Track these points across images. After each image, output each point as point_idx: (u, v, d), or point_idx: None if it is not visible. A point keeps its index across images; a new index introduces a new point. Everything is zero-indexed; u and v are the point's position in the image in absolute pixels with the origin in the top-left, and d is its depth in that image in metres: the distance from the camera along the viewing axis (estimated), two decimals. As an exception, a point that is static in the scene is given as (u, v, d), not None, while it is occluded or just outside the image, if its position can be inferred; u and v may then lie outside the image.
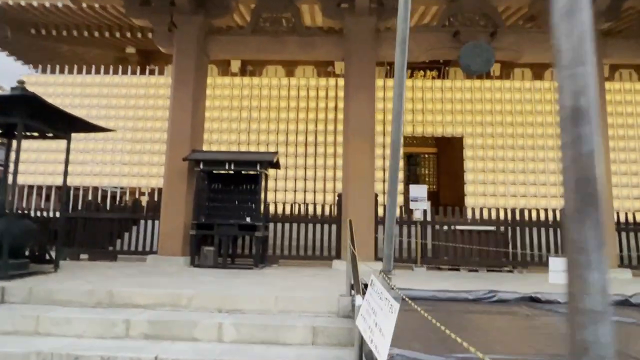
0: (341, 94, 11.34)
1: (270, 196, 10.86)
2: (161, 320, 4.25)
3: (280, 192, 10.94)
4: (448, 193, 13.42)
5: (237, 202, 7.90)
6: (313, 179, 11.06)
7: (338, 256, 7.97)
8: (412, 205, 8.02)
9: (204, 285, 5.40)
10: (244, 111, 11.37)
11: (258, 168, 7.46)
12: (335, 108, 11.27)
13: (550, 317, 3.80)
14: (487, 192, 10.99)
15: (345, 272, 7.16)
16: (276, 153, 7.80)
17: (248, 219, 7.52)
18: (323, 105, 11.34)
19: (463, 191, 12.98)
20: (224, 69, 12.30)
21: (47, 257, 6.60)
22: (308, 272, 7.09)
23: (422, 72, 12.91)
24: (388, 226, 2.62)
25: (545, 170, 11.03)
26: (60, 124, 6.36)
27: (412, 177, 14.19)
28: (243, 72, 12.16)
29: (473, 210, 8.15)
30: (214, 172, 8.06)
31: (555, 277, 4.60)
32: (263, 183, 7.76)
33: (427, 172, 14.39)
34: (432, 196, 14.02)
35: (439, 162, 14.09)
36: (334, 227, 8.15)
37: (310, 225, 8.18)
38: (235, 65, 12.17)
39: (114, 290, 4.79)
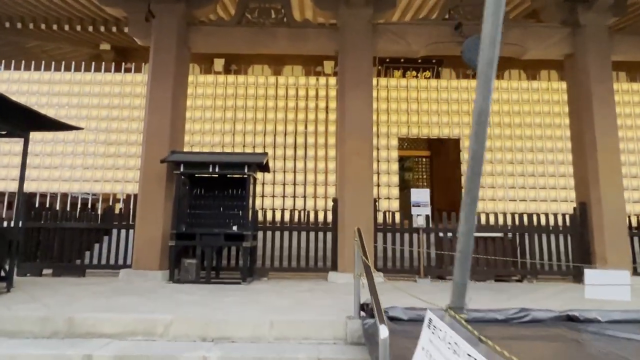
0: (332, 93, 10.72)
1: (259, 202, 10.10)
2: (131, 355, 3.45)
3: (269, 198, 10.19)
4: (442, 198, 12.88)
5: (222, 209, 7.12)
6: (303, 183, 10.34)
7: (334, 267, 7.26)
8: (413, 211, 7.39)
9: (184, 306, 4.60)
10: (228, 111, 10.61)
11: (246, 171, 6.71)
12: (326, 109, 10.63)
13: (606, 343, 3.18)
14: (486, 196, 10.48)
15: (344, 285, 6.47)
16: (266, 154, 7.06)
17: (234, 228, 6.75)
18: (313, 105, 10.68)
19: (459, 196, 12.48)
20: (206, 68, 11.52)
21: (2, 273, 5.69)
22: (302, 286, 6.36)
23: (414, 72, 12.41)
24: (463, 244, 1.90)
25: (545, 173, 10.60)
26: (16, 120, 5.50)
27: (402, 182, 13.63)
28: (227, 71, 11.40)
29: (479, 215, 7.59)
30: (196, 175, 7.27)
31: (593, 291, 4.01)
32: (251, 188, 7.02)
33: (419, 176, 13.85)
34: (426, 201, 13.49)
35: (432, 166, 13.56)
36: (329, 235, 7.45)
37: (303, 234, 7.46)
38: (219, 64, 11.40)
39: (76, 316, 3.96)
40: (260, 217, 7.51)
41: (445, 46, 7.92)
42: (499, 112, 10.78)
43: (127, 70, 10.78)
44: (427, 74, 12.09)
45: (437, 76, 11.79)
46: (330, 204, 9.99)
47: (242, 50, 8.44)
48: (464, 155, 10.63)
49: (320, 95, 10.71)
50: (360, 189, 7.26)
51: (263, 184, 10.21)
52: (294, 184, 10.33)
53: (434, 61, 11.41)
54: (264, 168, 7.36)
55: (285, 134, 10.52)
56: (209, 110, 10.56)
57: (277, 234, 7.43)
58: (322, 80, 10.80)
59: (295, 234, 7.44)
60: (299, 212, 7.50)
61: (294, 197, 10.27)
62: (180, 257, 6.72)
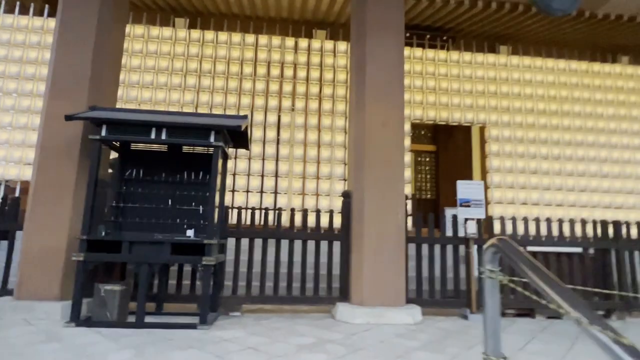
0: (329, 60, 8.27)
1: (231, 197, 7.45)
2: None
3: (244, 192, 7.55)
4: (453, 202, 10.70)
5: (171, 203, 4.45)
6: (301, 176, 7.78)
7: (344, 296, 4.75)
8: (461, 214, 5.01)
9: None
10: (190, 77, 7.91)
11: (212, 140, 4.10)
12: (320, 79, 8.16)
13: None
14: (516, 199, 8.33)
15: (366, 329, 3.92)
16: (244, 117, 4.47)
17: (190, 233, 4.10)
18: (304, 74, 8.19)
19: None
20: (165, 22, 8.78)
21: None
22: (300, 332, 3.80)
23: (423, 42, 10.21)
24: None
25: (597, 173, 8.59)
26: None
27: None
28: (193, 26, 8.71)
29: (549, 222, 5.34)
30: (131, 147, 4.59)
31: None
32: (220, 168, 4.42)
33: (422, 176, 11.61)
34: (430, 204, 11.27)
35: (438, 163, 11.37)
36: (336, 246, 4.94)
37: (297, 244, 4.91)
38: (181, 24, 8.68)
39: None
40: (233, 217, 4.90)
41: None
42: (520, 95, 8.71)
43: (39, 14, 7.86)
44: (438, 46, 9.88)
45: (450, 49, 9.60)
46: (335, 202, 7.50)
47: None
48: (491, 147, 8.45)
49: (312, 63, 8.23)
50: (388, 177, 4.81)
51: (234, 174, 7.58)
52: (276, 176, 7.75)
53: (444, 38, 9.25)
54: (241, 140, 4.76)
55: (265, 111, 7.95)
56: (164, 74, 7.82)
57: (258, 243, 4.83)
58: (316, 43, 8.33)
59: (284, 244, 4.87)
60: (291, 211, 4.93)
61: (281, 193, 7.69)
62: (94, 279, 4.00)
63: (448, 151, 11.34)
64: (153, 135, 4.05)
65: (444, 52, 8.75)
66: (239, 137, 4.65)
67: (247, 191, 7.59)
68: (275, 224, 4.83)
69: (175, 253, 4.03)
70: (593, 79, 9.00)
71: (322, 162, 7.86)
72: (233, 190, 7.55)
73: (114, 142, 4.46)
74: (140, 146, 4.61)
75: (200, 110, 7.76)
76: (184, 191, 4.48)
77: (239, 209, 4.78)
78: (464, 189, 5.06)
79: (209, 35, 8.06)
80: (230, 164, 7.49)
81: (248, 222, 4.86)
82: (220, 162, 4.37)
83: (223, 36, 8.09)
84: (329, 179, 7.80)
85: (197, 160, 4.59)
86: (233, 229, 4.73)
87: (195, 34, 8.05)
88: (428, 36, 9.15)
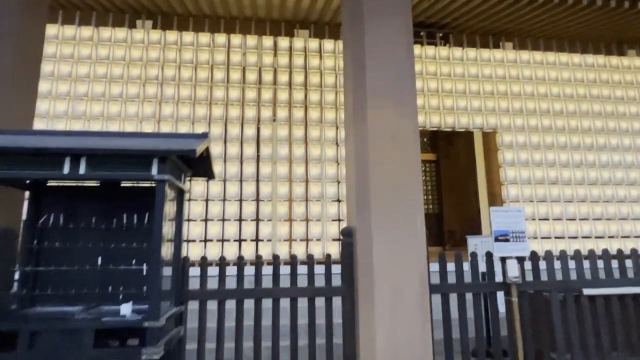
0: (314, 62, 7.09)
1: (197, 230, 6.15)
2: None
3: (214, 226, 6.26)
4: (456, 215, 9.60)
5: (101, 262, 3.15)
6: (287, 199, 6.54)
7: (350, 373, 3.50)
8: (498, 252, 3.82)
9: None
10: (150, 86, 6.62)
11: (154, 173, 2.83)
12: (305, 85, 6.96)
13: None
14: (536, 214, 7.22)
15: None
16: (203, 136, 3.21)
17: (125, 310, 2.80)
18: (285, 79, 6.98)
19: (476, 211, 9.23)
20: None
21: None
22: None
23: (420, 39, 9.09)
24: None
25: (623, 181, 7.55)
26: None
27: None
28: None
29: (607, 255, 4.14)
30: (48, 182, 3.30)
31: None
32: (170, 210, 3.15)
33: (424, 188, 10.46)
34: (434, 220, 10.13)
35: (439, 173, 10.26)
36: (336, 303, 3.70)
37: (283, 304, 3.64)
38: (139, 24, 7.39)
39: None
40: (195, 270, 3.61)
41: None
42: (533, 96, 7.64)
43: None
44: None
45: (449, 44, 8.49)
46: (329, 228, 6.25)
47: None
48: (504, 155, 7.34)
49: (296, 65, 7.03)
50: (402, 208, 3.61)
51: (207, 200, 6.30)
52: (256, 200, 6.49)
53: (442, 34, 8.12)
54: (202, 167, 3.49)
55: (242, 123, 6.70)
56: (117, 83, 6.52)
57: (229, 305, 3.54)
58: (299, 42, 7.14)
59: (267, 303, 3.59)
60: (276, 260, 3.67)
61: (258, 221, 6.42)
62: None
63: (449, 160, 10.26)
64: (67, 169, 2.76)
65: (446, 48, 7.65)
66: (198, 163, 3.39)
67: (223, 219, 6.31)
68: (254, 277, 3.55)
69: (106, 339, 2.74)
70: (612, 74, 8.01)
71: (312, 181, 6.64)
72: (206, 220, 6.26)
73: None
74: (57, 182, 3.31)
75: (163, 125, 6.49)
76: (121, 242, 3.19)
77: (202, 263, 3.50)
78: (500, 218, 3.89)
79: (172, 36, 6.80)
80: (198, 185, 6.21)
81: (216, 272, 3.56)
82: (168, 197, 3.10)
83: (188, 37, 6.84)
84: (319, 201, 6.58)
85: (142, 197, 3.31)
86: (195, 290, 3.45)
87: (155, 35, 6.78)
88: (422, 33, 8.02)
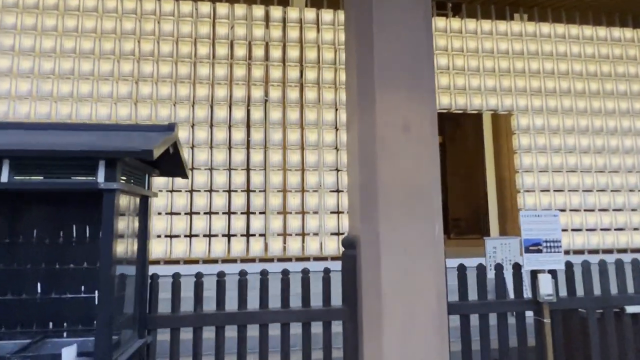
0: (311, 35, 6.32)
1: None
2: None
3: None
4: (464, 204, 9.00)
5: (40, 289, 2.52)
6: (282, 190, 5.90)
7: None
8: (528, 264, 3.20)
9: None
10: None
11: (100, 180, 2.17)
12: (301, 62, 6.21)
13: None
14: (553, 204, 6.62)
15: None
16: (168, 129, 2.52)
17: (67, 355, 2.19)
18: (278, 54, 6.22)
19: (484, 199, 8.69)
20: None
21: None
22: None
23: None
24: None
25: (646, 167, 6.93)
26: None
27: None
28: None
29: (621, 266, 3.53)
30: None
31: None
32: (131, 222, 2.50)
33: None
34: (439, 209, 9.52)
35: (445, 157, 9.60)
36: (336, 329, 3.10)
37: (273, 331, 3.04)
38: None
39: None
40: (165, 291, 3.00)
41: None
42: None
43: None
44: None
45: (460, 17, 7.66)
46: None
47: None
48: (520, 140, 6.68)
49: (291, 39, 6.26)
50: (417, 214, 2.97)
51: (191, 190, 5.65)
52: (247, 191, 5.85)
53: (452, 4, 7.26)
54: (169, 166, 2.82)
55: (229, 104, 5.97)
56: (88, 59, 5.74)
57: (208, 335, 2.94)
58: (293, 12, 6.34)
59: (252, 330, 2.99)
60: (264, 280, 3.04)
61: (255, 212, 5.80)
62: None
63: (456, 143, 9.59)
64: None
65: (458, 20, 6.86)
66: (166, 160, 2.71)
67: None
68: (238, 302, 2.94)
69: (44, 389, 2.15)
70: (638, 50, 7.26)
71: (309, 170, 5.98)
72: (190, 213, 5.63)
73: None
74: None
75: (141, 107, 5.76)
76: (69, 261, 2.55)
77: (174, 281, 2.88)
78: (530, 223, 3.26)
79: (149, 4, 5.98)
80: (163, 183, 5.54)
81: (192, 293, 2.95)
82: (131, 210, 2.45)
83: (168, 6, 6.02)
84: (316, 191, 5.95)
85: (94, 204, 2.64)
86: (165, 316, 2.84)
87: (130, 3, 5.96)
88: (432, 2, 7.19)
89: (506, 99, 6.71)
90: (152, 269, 2.85)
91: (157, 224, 5.48)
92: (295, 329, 2.97)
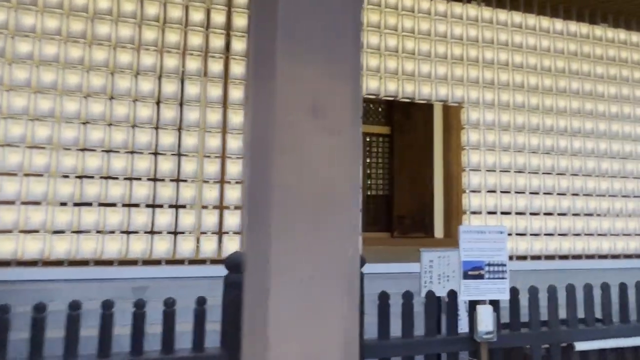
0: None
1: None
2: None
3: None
4: (410, 200, 8.46)
5: None
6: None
7: None
8: (466, 293, 2.55)
9: None
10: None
11: None
12: (206, 28, 5.22)
13: None
14: (499, 207, 6.17)
15: None
16: None
17: None
18: (178, 14, 5.19)
19: (430, 196, 8.26)
20: None
21: None
22: None
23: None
24: None
25: (594, 172, 6.64)
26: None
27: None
28: None
29: (605, 295, 2.93)
30: None
31: None
32: None
33: (373, 166, 9.13)
34: (384, 204, 8.95)
35: (393, 150, 8.99)
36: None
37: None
38: None
39: None
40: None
41: None
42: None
43: None
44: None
45: None
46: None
47: None
48: (471, 136, 6.13)
49: None
50: (326, 226, 2.20)
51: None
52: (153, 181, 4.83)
53: None
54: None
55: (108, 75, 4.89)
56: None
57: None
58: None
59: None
60: (169, 317, 2.14)
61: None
62: None
63: (404, 135, 9.02)
64: None
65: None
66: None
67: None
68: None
69: None
70: (594, 48, 6.93)
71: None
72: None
73: None
74: None
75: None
76: None
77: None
78: (471, 241, 2.59)
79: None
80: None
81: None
82: None
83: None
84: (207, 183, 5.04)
85: None
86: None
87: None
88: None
89: (457, 90, 6.13)
90: None
91: None
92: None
